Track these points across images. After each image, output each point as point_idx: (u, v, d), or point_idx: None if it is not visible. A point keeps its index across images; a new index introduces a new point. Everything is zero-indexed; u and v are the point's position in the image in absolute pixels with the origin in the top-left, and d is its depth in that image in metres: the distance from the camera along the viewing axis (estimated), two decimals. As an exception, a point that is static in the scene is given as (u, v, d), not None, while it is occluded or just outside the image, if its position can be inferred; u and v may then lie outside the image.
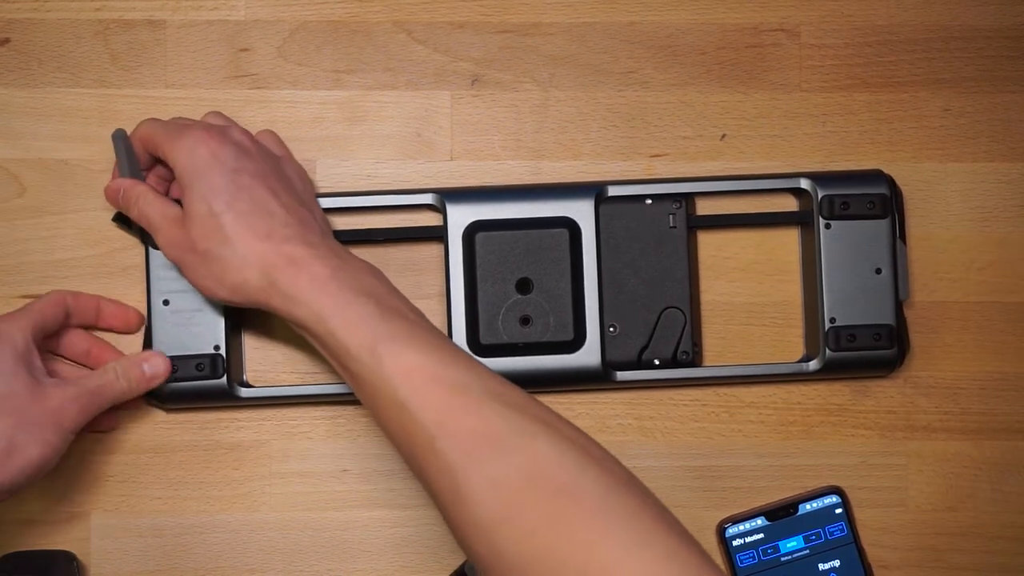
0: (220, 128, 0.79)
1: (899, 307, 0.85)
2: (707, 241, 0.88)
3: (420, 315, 0.74)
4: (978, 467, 0.87)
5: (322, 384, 0.85)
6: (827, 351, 0.84)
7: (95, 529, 0.85)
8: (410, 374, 0.69)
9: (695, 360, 0.85)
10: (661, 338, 0.85)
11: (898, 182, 0.86)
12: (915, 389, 0.87)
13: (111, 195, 0.82)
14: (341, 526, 0.86)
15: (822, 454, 0.87)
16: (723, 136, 0.88)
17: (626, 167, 0.87)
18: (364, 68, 0.87)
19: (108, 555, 0.85)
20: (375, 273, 0.75)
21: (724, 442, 0.87)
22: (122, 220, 0.84)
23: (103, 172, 0.85)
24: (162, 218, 0.78)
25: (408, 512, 0.86)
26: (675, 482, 0.86)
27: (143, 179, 0.82)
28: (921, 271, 0.87)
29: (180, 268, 0.77)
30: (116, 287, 0.86)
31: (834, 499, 0.85)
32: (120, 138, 0.81)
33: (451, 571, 0.85)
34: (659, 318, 0.85)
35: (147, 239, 0.83)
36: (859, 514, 0.86)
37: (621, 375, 0.85)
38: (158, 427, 0.86)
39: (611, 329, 0.85)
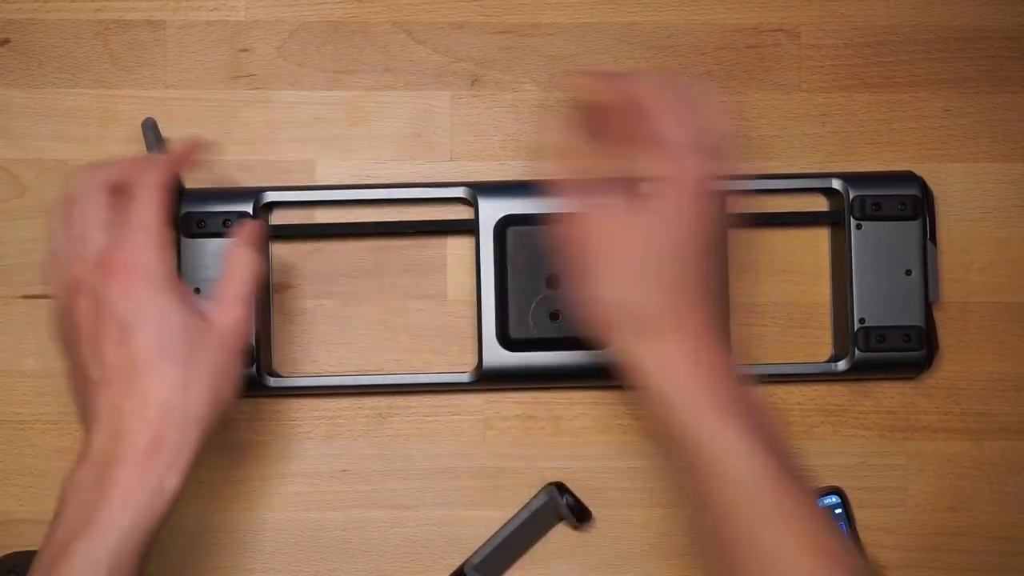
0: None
1: (929, 309, 0.85)
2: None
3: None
4: (978, 467, 0.87)
5: (352, 375, 0.86)
6: (856, 351, 0.84)
7: (95, 529, 0.85)
8: (803, 545, 0.65)
9: None
10: None
11: (898, 182, 0.87)
12: (915, 389, 0.87)
13: None
14: (341, 526, 0.86)
15: (822, 454, 0.87)
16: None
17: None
18: (364, 68, 0.88)
19: (108, 555, 0.85)
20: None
21: (724, 442, 0.87)
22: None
23: (103, 172, 0.85)
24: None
25: (408, 512, 0.86)
26: (675, 482, 0.86)
27: None
28: (921, 271, 0.88)
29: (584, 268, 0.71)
30: (116, 287, 0.86)
31: (834, 499, 0.85)
32: (150, 127, 0.81)
33: (451, 571, 0.85)
34: None
35: (180, 228, 0.83)
36: (859, 514, 0.86)
37: None
38: (158, 427, 0.86)
39: None
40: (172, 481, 0.68)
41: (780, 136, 0.88)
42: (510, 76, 0.88)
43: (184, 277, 0.83)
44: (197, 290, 0.83)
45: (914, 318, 0.85)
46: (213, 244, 0.83)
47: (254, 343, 0.83)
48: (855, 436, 0.87)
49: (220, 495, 0.86)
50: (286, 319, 0.87)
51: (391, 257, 0.87)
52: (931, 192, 0.86)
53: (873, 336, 0.84)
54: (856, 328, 0.85)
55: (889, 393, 0.87)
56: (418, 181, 0.87)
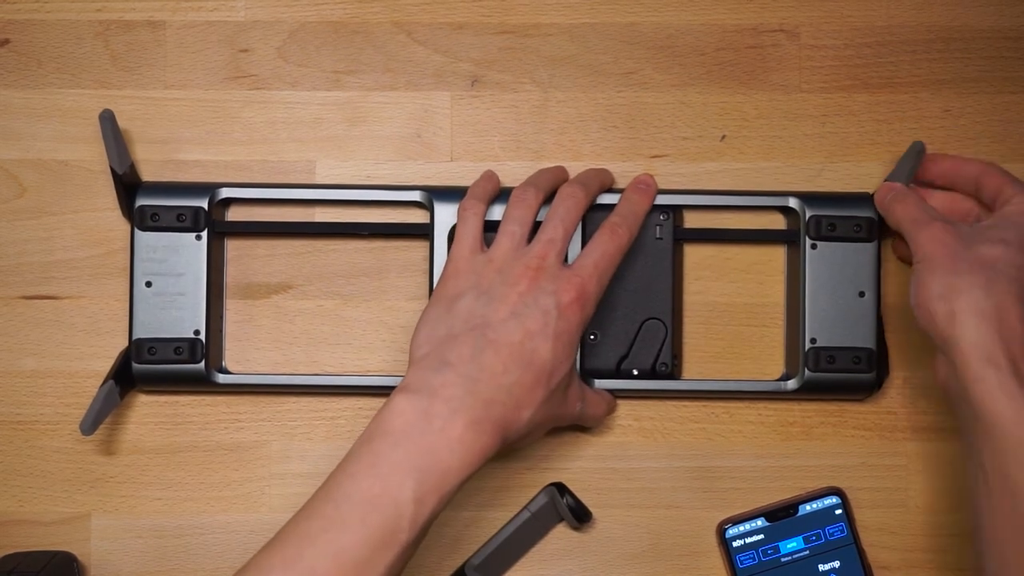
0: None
1: (881, 332, 0.84)
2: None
3: None
4: (978, 468, 0.87)
5: (301, 375, 0.86)
6: (806, 371, 0.84)
7: (95, 529, 0.85)
8: None
9: (674, 372, 0.85)
10: (641, 349, 0.85)
11: (898, 183, 0.87)
12: (915, 390, 0.87)
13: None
14: (341, 526, 0.86)
15: (822, 455, 0.87)
16: (723, 137, 0.87)
17: (626, 168, 0.87)
18: (364, 69, 0.88)
19: (108, 555, 0.85)
20: None
21: (724, 443, 0.87)
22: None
23: (103, 172, 0.85)
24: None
25: (408, 513, 0.86)
26: (675, 483, 0.86)
27: (130, 163, 0.83)
28: (921, 272, 0.87)
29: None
30: (117, 287, 0.86)
31: (834, 500, 0.85)
32: (107, 119, 0.81)
33: (451, 571, 0.85)
34: (640, 328, 0.85)
35: (135, 221, 0.83)
36: (859, 515, 0.86)
37: (599, 383, 0.84)
38: (158, 427, 0.86)
39: (592, 337, 0.85)
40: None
41: (780, 136, 0.88)
42: (510, 76, 0.88)
43: (136, 270, 0.83)
44: (148, 284, 0.83)
45: (865, 340, 0.84)
46: (166, 238, 0.84)
47: (204, 339, 0.83)
48: (855, 436, 0.87)
49: (220, 495, 0.86)
50: (286, 319, 0.87)
51: (390, 258, 0.87)
52: None
53: (823, 356, 0.84)
54: (807, 348, 0.84)
55: (889, 394, 0.87)
56: (417, 183, 0.87)
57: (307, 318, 0.87)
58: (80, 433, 0.80)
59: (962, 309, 0.73)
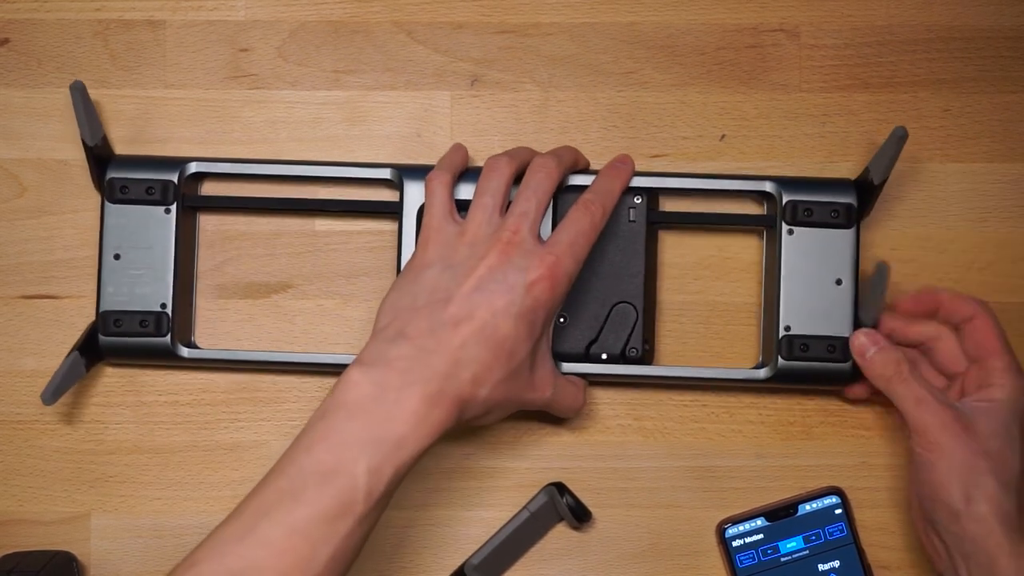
0: None
1: (857, 321, 0.83)
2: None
3: None
4: (978, 467, 0.87)
5: (270, 351, 0.86)
6: (779, 359, 0.83)
7: (95, 529, 0.85)
8: None
9: (644, 358, 0.84)
10: (611, 333, 0.84)
11: (898, 182, 0.86)
12: (915, 389, 0.87)
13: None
14: (341, 526, 0.86)
15: (822, 454, 0.87)
16: (723, 136, 0.87)
17: (626, 167, 0.87)
18: (364, 68, 0.88)
19: (108, 555, 0.85)
20: None
21: (724, 442, 0.87)
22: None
23: (103, 172, 0.86)
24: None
25: (408, 512, 0.86)
26: (675, 483, 0.86)
27: (102, 136, 0.83)
28: (921, 271, 0.87)
29: None
30: (116, 287, 0.86)
31: (834, 499, 0.85)
32: (78, 90, 0.81)
33: (451, 571, 0.85)
34: (610, 312, 0.84)
35: (105, 193, 0.83)
36: (859, 514, 0.86)
37: (567, 367, 0.83)
38: (158, 427, 0.86)
39: (561, 319, 0.84)
40: None
41: (780, 136, 0.88)
42: (510, 76, 0.88)
43: (104, 242, 0.83)
44: (117, 256, 0.83)
45: (840, 329, 0.83)
46: (135, 211, 0.83)
47: (170, 312, 0.83)
48: (855, 436, 0.87)
49: (220, 495, 0.86)
50: (286, 318, 0.87)
51: (391, 257, 0.87)
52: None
53: (797, 344, 0.83)
54: (781, 335, 0.83)
55: (889, 393, 0.87)
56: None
57: (307, 317, 0.87)
58: (42, 402, 0.80)
59: (988, 513, 0.75)
